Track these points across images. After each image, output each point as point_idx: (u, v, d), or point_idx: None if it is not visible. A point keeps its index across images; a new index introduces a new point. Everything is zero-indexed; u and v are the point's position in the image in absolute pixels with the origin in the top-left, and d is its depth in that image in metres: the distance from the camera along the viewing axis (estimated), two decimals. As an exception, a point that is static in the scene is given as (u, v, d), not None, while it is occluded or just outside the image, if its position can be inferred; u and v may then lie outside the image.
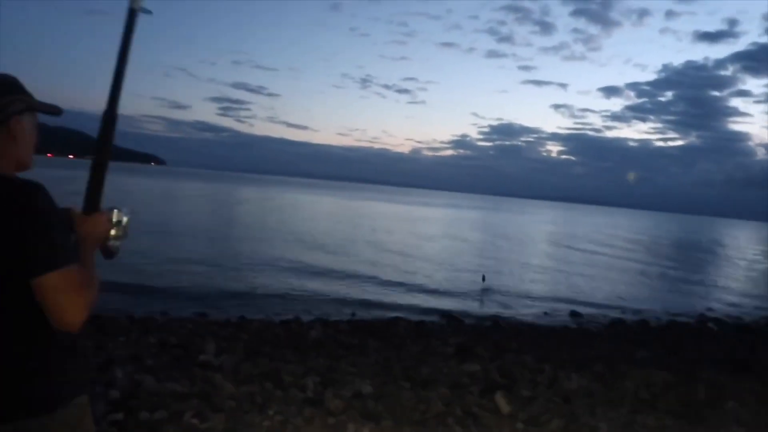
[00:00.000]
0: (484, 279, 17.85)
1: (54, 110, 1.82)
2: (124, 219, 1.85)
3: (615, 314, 15.03)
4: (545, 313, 14.51)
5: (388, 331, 10.45)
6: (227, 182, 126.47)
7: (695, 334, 12.91)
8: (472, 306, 14.64)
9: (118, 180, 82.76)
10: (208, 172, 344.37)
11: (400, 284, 16.21)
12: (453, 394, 5.34)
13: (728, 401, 5.79)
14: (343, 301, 13.57)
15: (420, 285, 16.30)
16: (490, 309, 14.43)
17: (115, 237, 1.85)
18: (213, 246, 21.09)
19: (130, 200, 42.09)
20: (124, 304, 11.03)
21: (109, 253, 1.85)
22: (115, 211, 1.86)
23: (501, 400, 5.03)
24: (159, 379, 5.44)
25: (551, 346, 9.84)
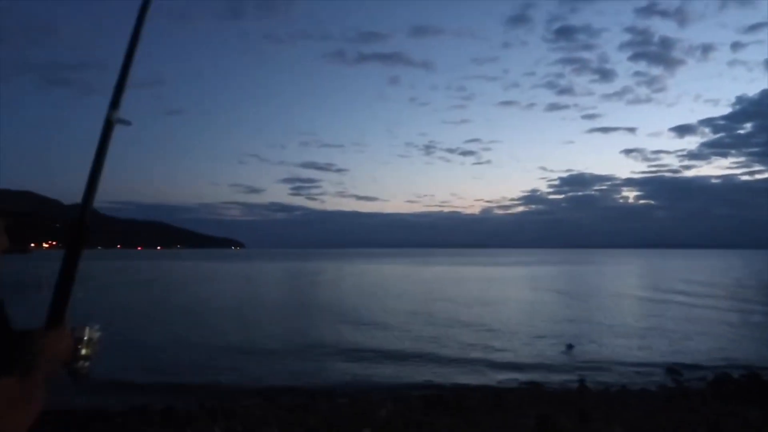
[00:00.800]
0: (571, 345, 16.59)
1: (23, 216, 1.66)
2: (96, 335, 1.63)
3: (718, 369, 13.48)
4: (637, 373, 13.23)
5: (462, 405, 9.76)
6: (301, 259, 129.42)
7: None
8: (555, 369, 13.60)
9: (200, 266, 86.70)
10: (285, 250, 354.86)
11: (475, 355, 15.38)
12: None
13: None
14: (416, 375, 12.95)
15: (495, 354, 15.39)
16: (575, 372, 13.34)
17: (85, 357, 1.62)
18: (281, 326, 21.12)
19: (210, 283, 43.47)
20: (186, 394, 11.01)
21: (77, 375, 1.62)
22: (87, 328, 1.62)
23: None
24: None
25: (645, 411, 8.81)
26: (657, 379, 12.67)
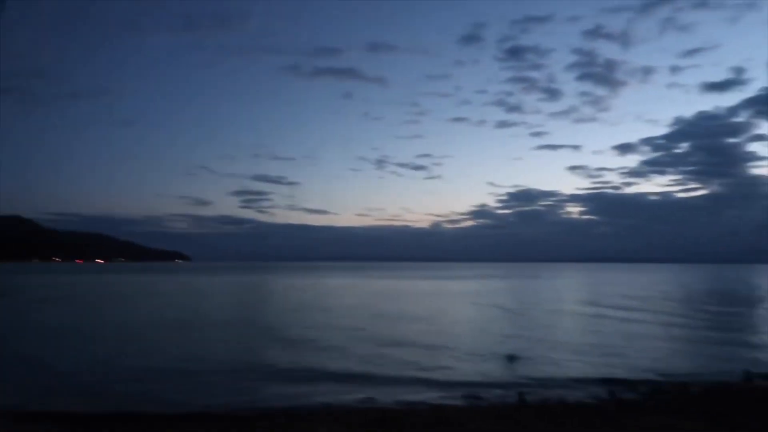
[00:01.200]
0: (511, 359, 16.87)
1: None
2: None
3: (651, 383, 13.85)
4: (575, 386, 13.44)
5: (403, 422, 9.63)
6: (247, 273, 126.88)
7: (742, 396, 11.77)
8: (495, 384, 13.64)
9: (134, 279, 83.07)
10: (232, 263, 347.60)
11: (416, 372, 15.23)
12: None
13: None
14: (357, 394, 12.69)
15: (437, 371, 15.30)
16: (514, 387, 13.43)
17: None
18: (216, 345, 20.47)
19: (140, 299, 41.65)
20: (102, 424, 10.38)
21: None
22: None
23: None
24: None
25: (582, 424, 8.91)
26: (594, 392, 12.91)
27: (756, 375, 14.53)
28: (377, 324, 25.84)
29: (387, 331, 23.13)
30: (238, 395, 12.33)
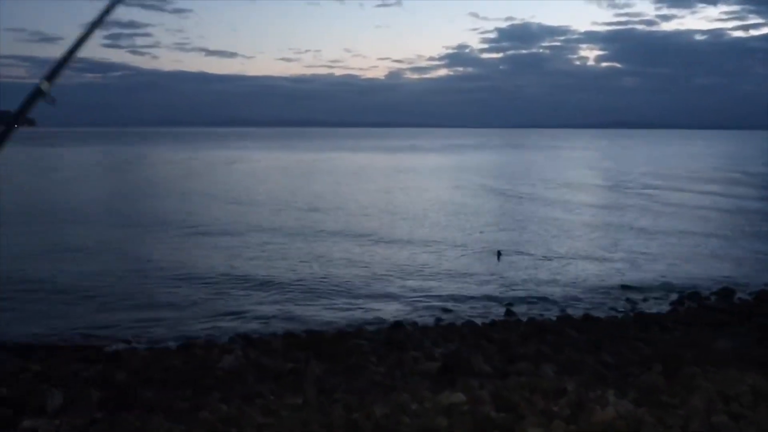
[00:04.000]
0: (499, 256, 17.62)
1: None
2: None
3: (684, 289, 14.64)
4: (581, 295, 14.11)
5: (344, 345, 9.94)
6: (115, 143, 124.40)
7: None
8: (478, 293, 14.18)
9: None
10: (94, 130, 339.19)
11: (377, 274, 15.75)
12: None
13: None
14: (289, 306, 13.01)
15: (400, 278, 15.76)
16: (504, 294, 14.01)
17: None
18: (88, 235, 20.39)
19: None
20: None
21: None
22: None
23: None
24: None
25: (586, 345, 9.40)
26: (606, 302, 13.58)
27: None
28: (314, 217, 26.07)
29: (320, 226, 23.40)
30: (107, 313, 12.45)
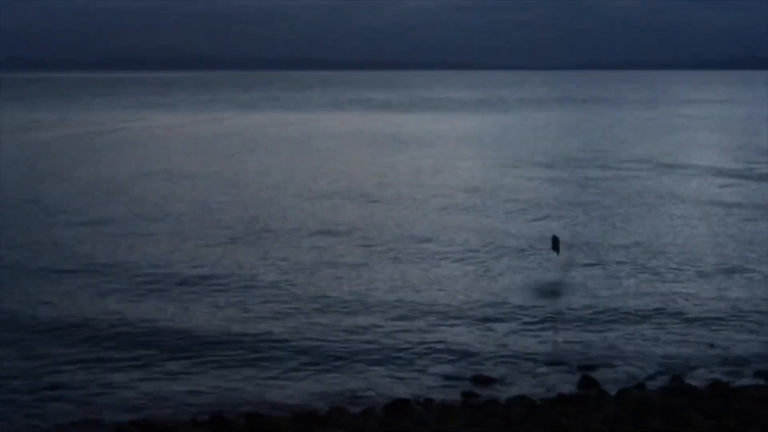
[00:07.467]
0: (556, 246, 14.16)
1: None
2: None
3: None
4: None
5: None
6: None
7: None
8: (532, 346, 10.91)
9: None
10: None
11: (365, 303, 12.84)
12: None
13: None
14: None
15: (412, 309, 12.73)
16: (576, 349, 10.70)
17: None
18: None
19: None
20: None
21: None
22: None
23: None
24: None
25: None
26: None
27: None
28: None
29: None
30: None
